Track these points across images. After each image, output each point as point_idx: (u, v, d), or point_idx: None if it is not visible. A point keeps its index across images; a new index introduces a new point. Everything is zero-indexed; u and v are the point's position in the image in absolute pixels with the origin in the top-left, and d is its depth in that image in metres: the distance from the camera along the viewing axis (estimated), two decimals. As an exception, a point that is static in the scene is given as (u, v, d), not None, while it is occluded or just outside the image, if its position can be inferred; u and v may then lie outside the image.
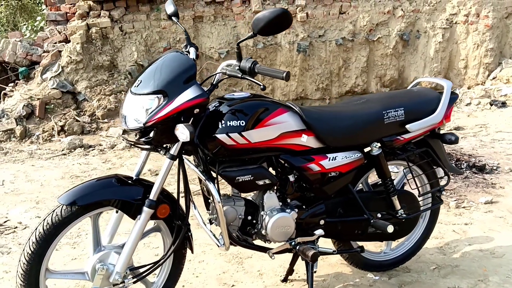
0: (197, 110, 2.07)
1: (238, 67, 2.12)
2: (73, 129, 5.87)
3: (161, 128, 2.05)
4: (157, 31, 6.84)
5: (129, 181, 2.20)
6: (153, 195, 2.14)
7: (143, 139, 2.10)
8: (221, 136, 2.13)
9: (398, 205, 2.61)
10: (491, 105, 6.56)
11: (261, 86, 1.97)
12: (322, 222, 2.45)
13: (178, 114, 2.04)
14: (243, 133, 2.14)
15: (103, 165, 4.87)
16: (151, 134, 2.07)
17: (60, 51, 6.45)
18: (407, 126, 2.49)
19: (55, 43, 6.64)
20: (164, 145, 2.18)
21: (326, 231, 2.46)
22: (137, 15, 6.70)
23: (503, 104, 6.55)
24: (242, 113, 2.16)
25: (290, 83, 7.22)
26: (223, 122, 2.14)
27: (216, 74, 2.26)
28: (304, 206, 2.45)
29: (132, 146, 2.21)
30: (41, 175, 4.62)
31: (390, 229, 2.46)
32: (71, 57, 6.31)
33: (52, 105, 6.12)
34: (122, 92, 6.41)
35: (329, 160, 2.37)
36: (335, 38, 7.22)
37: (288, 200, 2.42)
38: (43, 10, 8.62)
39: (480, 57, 7.47)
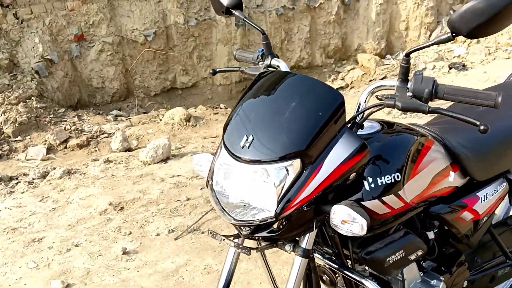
0: (354, 174, 1.24)
1: (407, 92, 1.21)
2: (-23, 156, 4.39)
3: (299, 214, 1.19)
4: (63, 15, 5.48)
5: None
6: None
7: (263, 234, 1.22)
8: (372, 204, 1.31)
9: None
10: (450, 68, 6.16)
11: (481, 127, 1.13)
12: (465, 283, 1.79)
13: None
14: (399, 192, 1.34)
15: (43, 205, 3.58)
16: (281, 225, 1.20)
17: None
18: None
19: None
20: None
21: None
22: (35, -4, 5.25)
23: (464, 67, 6.18)
24: (389, 159, 1.35)
25: (232, 64, 6.25)
26: (370, 180, 1.31)
27: (365, 109, 1.29)
28: (443, 268, 1.73)
29: (235, 246, 1.23)
30: (-44, 236, 3.24)
31: None
32: (-46, 59, 4.73)
33: None
34: (32, 97, 4.98)
35: (481, 202, 1.71)
36: (274, 8, 6.39)
37: (423, 264, 1.71)
38: None
39: (421, 17, 7.10)
